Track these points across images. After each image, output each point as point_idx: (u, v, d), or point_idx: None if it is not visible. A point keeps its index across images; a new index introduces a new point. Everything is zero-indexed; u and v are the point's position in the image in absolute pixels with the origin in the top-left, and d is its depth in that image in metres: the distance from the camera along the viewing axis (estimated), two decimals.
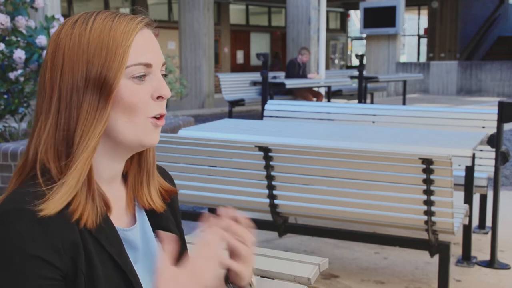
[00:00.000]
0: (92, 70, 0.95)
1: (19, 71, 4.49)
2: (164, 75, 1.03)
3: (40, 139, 0.96)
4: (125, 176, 1.09)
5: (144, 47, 0.99)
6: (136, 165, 1.08)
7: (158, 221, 1.11)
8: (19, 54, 4.34)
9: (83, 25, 0.97)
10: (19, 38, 4.54)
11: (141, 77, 0.98)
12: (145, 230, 1.08)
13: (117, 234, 0.99)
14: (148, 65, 0.98)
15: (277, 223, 3.26)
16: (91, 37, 0.96)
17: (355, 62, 26.82)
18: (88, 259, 0.93)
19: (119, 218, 1.04)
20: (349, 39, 28.89)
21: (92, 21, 0.97)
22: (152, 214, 1.11)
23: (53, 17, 4.73)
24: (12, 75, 4.46)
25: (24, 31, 4.55)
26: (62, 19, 4.79)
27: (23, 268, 0.87)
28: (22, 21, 4.52)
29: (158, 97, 1.00)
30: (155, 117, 1.00)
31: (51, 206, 0.91)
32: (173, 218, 1.15)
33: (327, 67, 20.58)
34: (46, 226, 0.89)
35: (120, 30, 0.97)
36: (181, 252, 1.14)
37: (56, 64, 0.97)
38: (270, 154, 3.04)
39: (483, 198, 4.09)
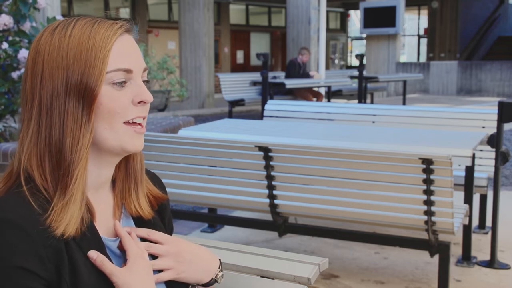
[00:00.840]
0: (73, 77, 0.95)
1: (22, 70, 4.50)
2: (146, 81, 1.03)
3: (23, 147, 0.96)
4: (113, 183, 1.08)
5: (124, 53, 0.99)
6: (123, 171, 1.08)
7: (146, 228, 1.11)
8: (24, 54, 4.36)
9: (63, 31, 0.97)
10: (21, 38, 4.56)
11: (121, 83, 0.98)
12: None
13: (101, 243, 0.99)
14: (128, 71, 0.98)
15: (277, 223, 3.26)
16: (70, 43, 0.96)
17: (355, 62, 26.83)
18: (72, 267, 0.92)
19: (105, 225, 1.04)
20: (349, 39, 28.89)
21: (71, 28, 0.97)
22: (140, 221, 1.10)
23: (54, 18, 4.74)
24: (14, 74, 4.47)
25: (27, 32, 4.57)
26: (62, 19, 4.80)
27: (8, 279, 0.87)
28: (27, 25, 4.56)
29: (139, 102, 1.00)
30: (134, 124, 1.00)
31: (71, 226, 0.92)
32: (162, 224, 1.15)
33: (327, 67, 20.58)
34: (30, 235, 0.89)
35: (99, 36, 0.96)
36: None
37: (36, 71, 0.96)
38: (270, 154, 3.04)
39: (483, 198, 4.09)
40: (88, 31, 0.97)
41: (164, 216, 1.17)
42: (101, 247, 0.98)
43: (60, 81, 0.95)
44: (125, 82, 0.98)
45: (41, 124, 0.95)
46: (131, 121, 0.99)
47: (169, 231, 1.17)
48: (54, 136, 0.95)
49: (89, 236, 0.96)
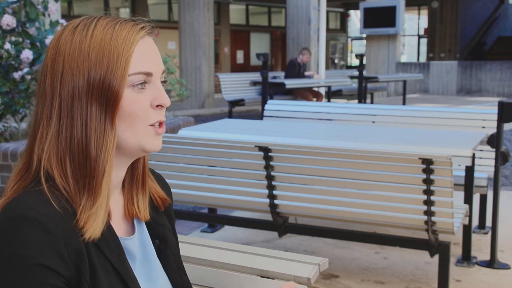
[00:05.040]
0: (95, 78, 0.94)
1: (25, 70, 4.51)
2: (163, 82, 1.03)
3: (42, 146, 0.96)
4: (122, 184, 1.08)
5: (145, 56, 0.98)
6: (129, 173, 1.08)
7: (155, 230, 1.12)
8: (27, 54, 4.38)
9: (84, 31, 0.96)
10: (24, 39, 4.58)
11: (142, 86, 0.98)
12: (143, 239, 1.09)
13: (118, 243, 0.99)
14: (148, 74, 0.98)
15: (277, 223, 3.26)
16: (91, 44, 0.95)
17: (355, 62, 26.83)
18: (91, 267, 0.93)
19: (119, 226, 1.04)
20: (349, 39, 28.88)
21: (93, 28, 0.97)
22: (150, 222, 1.11)
23: (57, 22, 4.76)
24: (16, 74, 4.48)
25: (32, 33, 4.61)
26: (64, 23, 4.84)
27: (29, 275, 0.87)
28: (32, 28, 4.60)
29: (157, 106, 0.99)
30: (154, 125, 1.00)
31: (98, 230, 0.93)
32: (170, 226, 1.16)
33: (327, 67, 20.57)
34: (51, 234, 0.89)
35: (121, 38, 0.96)
36: (178, 258, 1.15)
37: (56, 69, 0.96)
38: (270, 154, 3.04)
39: (483, 198, 4.09)
40: (110, 32, 0.96)
41: (171, 217, 1.18)
42: (119, 247, 0.99)
43: (81, 82, 0.94)
44: (145, 83, 0.98)
45: (62, 124, 0.95)
46: (150, 124, 0.99)
47: (174, 231, 1.18)
48: (77, 137, 0.94)
49: (107, 236, 0.97)
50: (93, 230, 0.92)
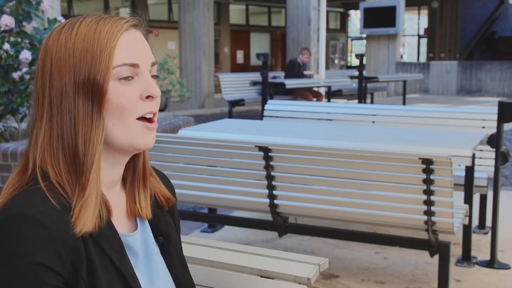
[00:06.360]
0: (80, 74, 0.95)
1: (24, 70, 4.51)
2: (156, 76, 1.02)
3: (37, 146, 0.97)
4: (124, 182, 1.09)
5: (130, 47, 0.98)
6: (131, 171, 1.08)
7: (159, 227, 1.12)
8: (26, 55, 4.38)
9: (69, 30, 0.98)
10: (23, 39, 4.58)
11: (128, 78, 0.98)
12: (145, 236, 1.09)
13: (119, 239, 0.99)
14: (134, 66, 0.98)
15: (277, 223, 3.26)
16: (76, 41, 0.96)
17: (355, 62, 26.82)
18: (89, 264, 0.93)
19: (120, 223, 1.04)
20: (349, 39, 28.88)
21: (77, 26, 0.98)
22: (153, 220, 1.11)
23: (55, 20, 4.76)
24: (15, 74, 4.48)
25: (30, 32, 4.60)
26: (62, 20, 4.83)
27: (27, 274, 0.87)
28: (29, 26, 4.59)
29: (147, 97, 0.99)
30: (145, 119, 0.99)
31: (88, 223, 0.92)
32: (174, 225, 1.16)
33: (327, 67, 20.57)
34: (49, 232, 0.89)
35: (104, 32, 0.97)
36: (181, 255, 1.15)
37: (45, 70, 0.97)
38: (270, 154, 3.04)
39: (483, 198, 4.09)
40: (93, 27, 0.97)
41: (175, 215, 1.18)
42: (119, 243, 0.99)
43: (68, 79, 0.95)
44: (132, 77, 0.98)
45: (53, 123, 0.96)
46: (141, 117, 0.99)
47: (178, 229, 1.18)
48: (67, 134, 0.95)
49: (107, 232, 0.97)
50: (83, 224, 0.92)
